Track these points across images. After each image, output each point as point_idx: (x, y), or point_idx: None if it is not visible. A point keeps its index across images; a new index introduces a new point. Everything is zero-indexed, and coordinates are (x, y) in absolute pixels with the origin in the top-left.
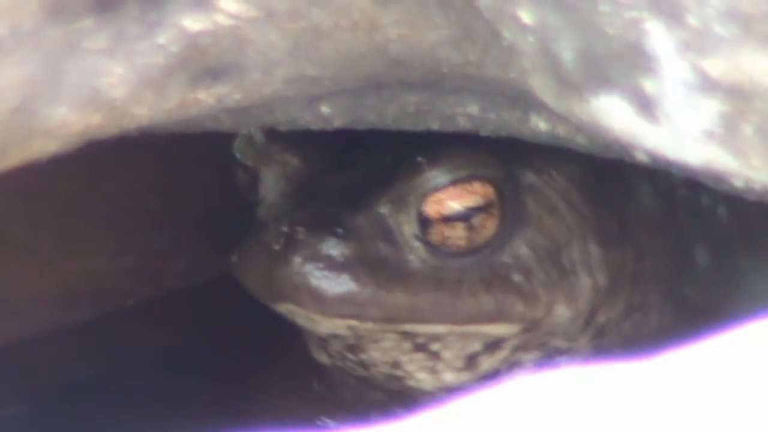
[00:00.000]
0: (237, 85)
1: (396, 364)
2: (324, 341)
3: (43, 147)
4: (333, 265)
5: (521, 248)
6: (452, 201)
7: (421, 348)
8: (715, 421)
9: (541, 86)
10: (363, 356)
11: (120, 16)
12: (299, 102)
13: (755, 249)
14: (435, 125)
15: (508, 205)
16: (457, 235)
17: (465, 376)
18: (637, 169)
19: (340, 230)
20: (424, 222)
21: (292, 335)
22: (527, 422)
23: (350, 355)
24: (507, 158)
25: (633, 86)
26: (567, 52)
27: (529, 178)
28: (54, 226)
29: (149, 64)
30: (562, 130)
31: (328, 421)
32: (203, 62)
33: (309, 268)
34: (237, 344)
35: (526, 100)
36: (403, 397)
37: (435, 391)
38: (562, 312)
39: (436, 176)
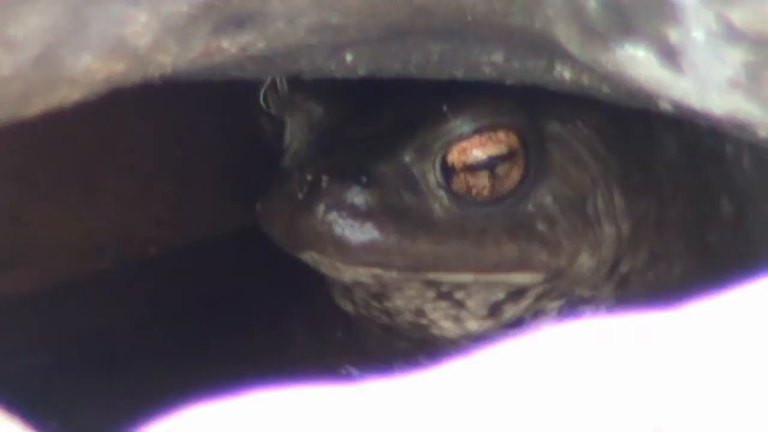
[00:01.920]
0: (261, 33)
1: (420, 312)
2: (348, 289)
3: (66, 95)
4: (357, 214)
5: (545, 197)
6: (476, 150)
7: (445, 296)
8: (740, 371)
9: (565, 35)
10: (387, 304)
11: None
12: (323, 51)
13: None
14: (459, 74)
15: (532, 154)
16: (481, 183)
17: (488, 324)
18: (661, 119)
19: (364, 179)
20: (448, 171)
21: (316, 284)
22: (550, 373)
23: (375, 303)
24: (531, 107)
25: (658, 35)
26: (591, 2)
27: (554, 127)
28: (78, 175)
29: (173, 12)
30: (586, 80)
31: (352, 369)
32: (227, 10)
33: (333, 216)
34: (261, 294)
35: (550, 49)
36: (426, 346)
37: (458, 340)
38: (585, 261)
39: (460, 125)
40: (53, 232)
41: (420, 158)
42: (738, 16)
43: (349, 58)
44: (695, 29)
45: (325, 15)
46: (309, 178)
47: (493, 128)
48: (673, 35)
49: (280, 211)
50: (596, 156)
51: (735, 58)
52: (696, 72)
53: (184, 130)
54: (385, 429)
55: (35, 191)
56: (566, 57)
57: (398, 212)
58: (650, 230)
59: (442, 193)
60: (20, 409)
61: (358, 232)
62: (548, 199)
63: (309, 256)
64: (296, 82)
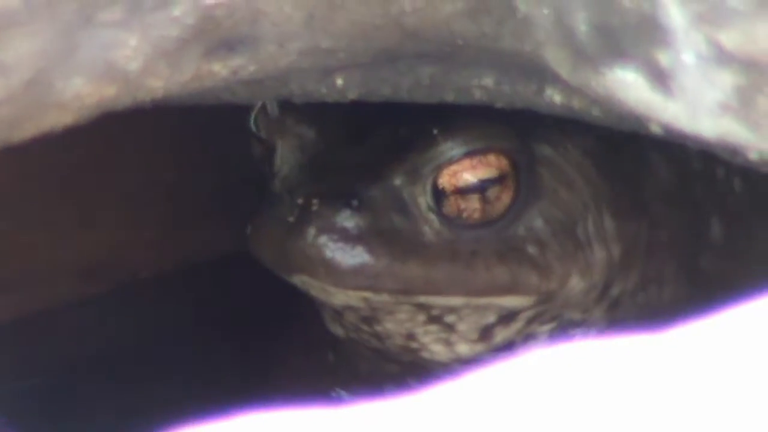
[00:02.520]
0: (252, 57)
1: (410, 336)
2: (338, 313)
3: (57, 119)
4: (347, 237)
5: (536, 220)
6: (467, 173)
7: (435, 320)
8: (729, 395)
9: (555, 59)
10: (378, 328)
11: None
12: (314, 74)
13: None
14: (450, 97)
15: (523, 177)
16: (472, 207)
17: (479, 348)
18: (651, 142)
19: (354, 202)
20: (439, 194)
21: (306, 308)
22: (541, 396)
23: (365, 327)
24: (522, 130)
25: (648, 58)
26: (582, 25)
27: (544, 150)
28: (70, 199)
29: (164, 36)
30: (576, 103)
31: (342, 393)
32: (218, 34)
33: (323, 239)
34: (252, 317)
35: (541, 73)
36: (417, 369)
37: (449, 363)
38: (576, 284)
39: (451, 148)
40: (45, 255)
41: (410, 181)
42: (728, 39)
43: (339, 81)
44: (685, 52)
45: (315, 39)
46: (300, 201)
47: (483, 151)
48: (663, 58)
49: (271, 235)
50: (587, 179)
51: (725, 81)
52: (686, 95)
53: (175, 154)
54: None
55: (26, 215)
56: (556, 80)
57: (389, 236)
58: (641, 253)
59: (432, 216)
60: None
61: (348, 256)
62: (539, 223)
63: (299, 280)
64: (287, 106)
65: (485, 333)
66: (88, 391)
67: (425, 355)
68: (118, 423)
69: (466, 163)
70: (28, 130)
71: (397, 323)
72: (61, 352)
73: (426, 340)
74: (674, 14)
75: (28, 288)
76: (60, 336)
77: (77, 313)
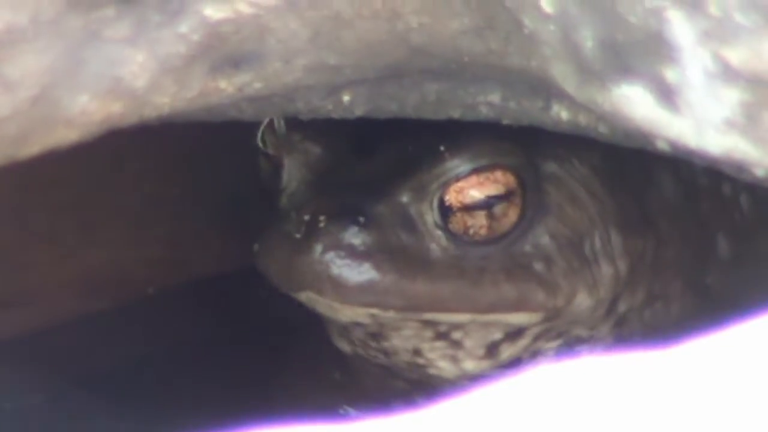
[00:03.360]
0: (258, 73)
1: (417, 352)
2: (345, 329)
3: (63, 135)
4: (354, 254)
5: (542, 237)
6: (473, 190)
7: (442, 336)
8: (736, 411)
9: (562, 75)
10: (384, 344)
11: (141, 5)
12: (320, 91)
13: None
14: (456, 114)
15: (530, 194)
16: (479, 223)
17: (486, 364)
18: (658, 158)
19: (361, 219)
20: (446, 211)
21: (313, 324)
22: (548, 413)
23: (372, 343)
24: (528, 147)
25: (654, 75)
26: (588, 41)
27: (551, 166)
28: (74, 215)
29: (170, 52)
30: (583, 119)
31: (349, 409)
32: (224, 51)
33: (330, 256)
34: (258, 334)
35: (547, 89)
36: (424, 386)
37: (456, 380)
38: (583, 301)
39: (458, 165)
40: (49, 272)
41: (417, 198)
42: (735, 56)
43: (346, 98)
44: (692, 69)
45: (322, 55)
46: (306, 218)
47: (490, 168)
48: (670, 75)
49: (278, 251)
50: (593, 195)
51: (731, 98)
52: (692, 111)
53: (181, 170)
54: None
55: (31, 232)
56: (563, 97)
57: (396, 252)
58: (647, 270)
59: (439, 233)
60: None
61: (355, 273)
62: (545, 239)
63: (306, 296)
64: (294, 122)
65: (492, 349)
66: (91, 408)
67: (432, 371)
68: None
69: (473, 179)
70: (34, 146)
71: (404, 339)
72: (65, 369)
73: (432, 356)
74: (681, 31)
75: (32, 304)
76: (64, 353)
77: (81, 330)
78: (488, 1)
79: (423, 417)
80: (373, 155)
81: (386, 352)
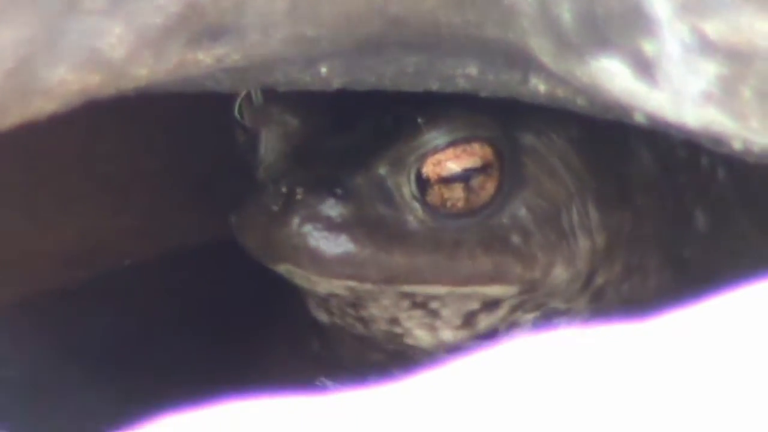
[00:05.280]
0: (236, 46)
1: (395, 321)
2: (323, 299)
3: (41, 107)
4: (331, 226)
5: (520, 210)
6: (451, 162)
7: (419, 306)
8: (711, 383)
9: (540, 48)
10: (362, 312)
11: None
12: (298, 63)
13: (755, 211)
14: (434, 86)
15: (507, 167)
16: (456, 196)
17: (463, 334)
18: (636, 131)
19: (338, 191)
20: (423, 183)
21: (291, 296)
22: (525, 385)
23: (350, 311)
24: (506, 120)
25: (632, 48)
26: (566, 14)
27: (528, 139)
28: (52, 186)
29: (148, 24)
30: (561, 92)
31: (327, 381)
32: (202, 23)
33: (308, 228)
34: (235, 306)
35: (525, 62)
36: (401, 358)
37: (433, 350)
38: (560, 274)
39: (435, 137)
40: (25, 244)
41: (395, 170)
42: (712, 29)
43: (323, 70)
44: (670, 42)
45: (299, 28)
46: (284, 190)
47: (467, 141)
48: (648, 48)
49: (255, 224)
50: (571, 169)
51: (709, 71)
52: (670, 84)
53: (159, 142)
54: None
55: (7, 202)
56: (541, 69)
57: (373, 224)
58: (625, 243)
59: (416, 205)
60: None
61: (332, 245)
62: (523, 212)
63: (284, 268)
64: (271, 94)
65: (469, 319)
66: (71, 380)
67: (409, 340)
68: (101, 412)
69: (450, 152)
70: (12, 117)
71: (382, 309)
72: (42, 340)
73: (410, 325)
74: (659, 4)
75: (10, 277)
76: (41, 324)
77: (59, 301)
78: None
79: (400, 389)
80: (351, 127)
81: (364, 321)
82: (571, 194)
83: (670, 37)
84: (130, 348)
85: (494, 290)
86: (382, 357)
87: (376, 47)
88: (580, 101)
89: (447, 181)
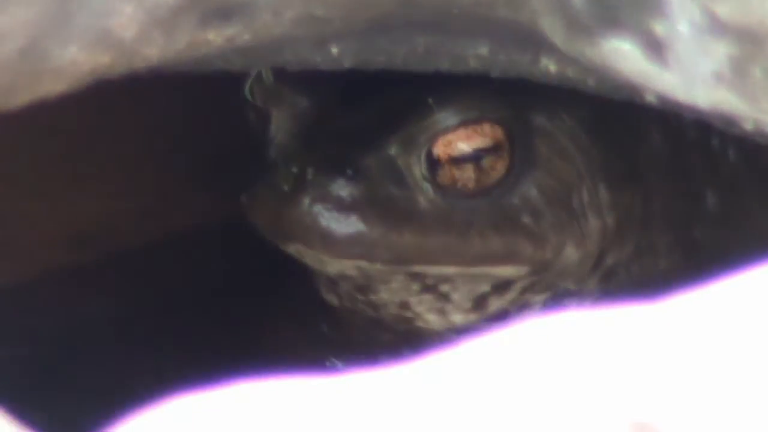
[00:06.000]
0: (247, 25)
1: (405, 305)
2: (333, 282)
3: (51, 86)
4: (342, 206)
5: (530, 190)
6: (462, 142)
7: (429, 289)
8: (722, 364)
9: (551, 28)
10: (372, 297)
11: None
12: (309, 43)
13: (766, 191)
14: (445, 66)
15: (518, 147)
16: (466, 176)
17: (473, 317)
18: (647, 112)
19: (349, 171)
20: (434, 163)
21: (301, 277)
22: (534, 365)
23: (359, 296)
24: (517, 100)
25: (643, 29)
26: None
27: (539, 120)
28: (62, 167)
29: (159, 3)
30: (571, 72)
31: (336, 362)
32: (213, 2)
33: (318, 208)
34: (246, 286)
35: (536, 42)
36: (411, 339)
37: (443, 332)
38: (570, 254)
39: (446, 118)
40: (35, 223)
41: (405, 151)
42: (723, 10)
43: (334, 50)
44: (681, 22)
45: (310, 7)
46: (294, 170)
47: (478, 121)
48: (659, 28)
49: (266, 204)
50: (581, 149)
51: (720, 52)
52: (681, 65)
53: (169, 122)
54: (369, 420)
55: (16, 182)
56: (552, 50)
57: (383, 205)
58: (635, 223)
59: (427, 185)
60: (1, 400)
61: (343, 225)
62: (533, 192)
63: (294, 249)
64: (282, 74)
65: (479, 302)
66: (77, 359)
67: (419, 324)
68: (106, 391)
69: (461, 132)
70: (23, 97)
71: (392, 292)
72: (52, 320)
73: (420, 309)
74: None
75: (17, 256)
76: (51, 304)
77: (69, 281)
78: None
79: (410, 370)
80: (362, 107)
81: (374, 305)
82: (581, 174)
83: (681, 17)
84: (140, 328)
85: (505, 271)
86: (392, 338)
87: (386, 27)
88: (591, 82)
89: (457, 161)
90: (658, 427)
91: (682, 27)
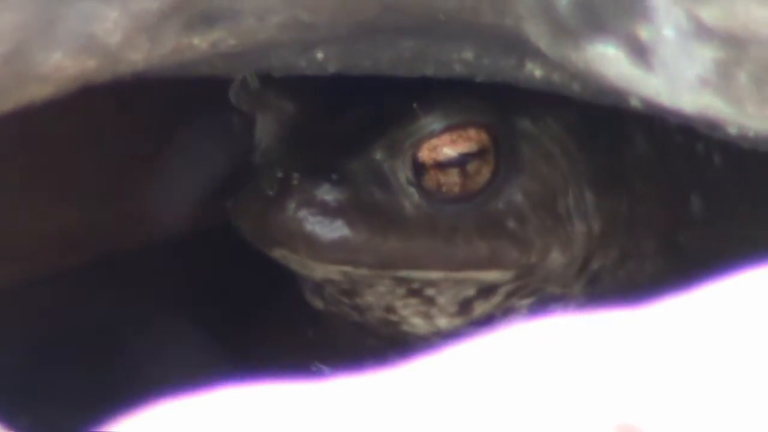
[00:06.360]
0: (231, 30)
1: (390, 309)
2: (319, 286)
3: (37, 92)
4: (327, 211)
5: (516, 195)
6: (447, 147)
7: (415, 293)
8: (707, 370)
9: (536, 33)
10: (358, 300)
11: None
12: (294, 48)
13: (751, 197)
14: (430, 71)
15: (503, 152)
16: (452, 181)
17: (458, 321)
18: (632, 116)
19: (334, 176)
20: (419, 168)
21: (286, 282)
22: (519, 370)
23: (345, 299)
24: (502, 105)
25: (628, 33)
26: None
27: (524, 124)
28: (49, 171)
29: (144, 9)
30: (557, 77)
31: (322, 367)
32: (198, 7)
33: (303, 213)
34: (232, 292)
35: (521, 47)
36: (397, 343)
37: (429, 336)
38: (556, 258)
39: (431, 122)
40: (23, 227)
41: (391, 155)
42: (708, 14)
43: (319, 55)
44: (666, 27)
45: (295, 12)
46: (280, 175)
47: (463, 126)
48: (644, 33)
49: (251, 208)
50: (567, 153)
51: (705, 56)
52: (666, 69)
53: (156, 126)
54: (355, 426)
55: (4, 186)
56: (537, 54)
57: (369, 209)
58: (621, 228)
59: (412, 190)
60: None
61: (328, 230)
62: (519, 197)
63: (279, 253)
64: (267, 79)
65: (465, 306)
66: (65, 364)
67: (405, 328)
68: (93, 396)
69: (446, 137)
70: (8, 102)
71: (377, 296)
72: (40, 326)
73: (405, 312)
74: None
75: (6, 260)
76: (39, 310)
77: (56, 287)
78: None
79: (395, 375)
80: (347, 112)
81: (359, 309)
82: (567, 179)
83: (666, 22)
84: (127, 333)
85: (490, 275)
86: (378, 343)
87: (372, 32)
88: (576, 86)
89: (443, 166)
90: (644, 429)
91: (667, 31)
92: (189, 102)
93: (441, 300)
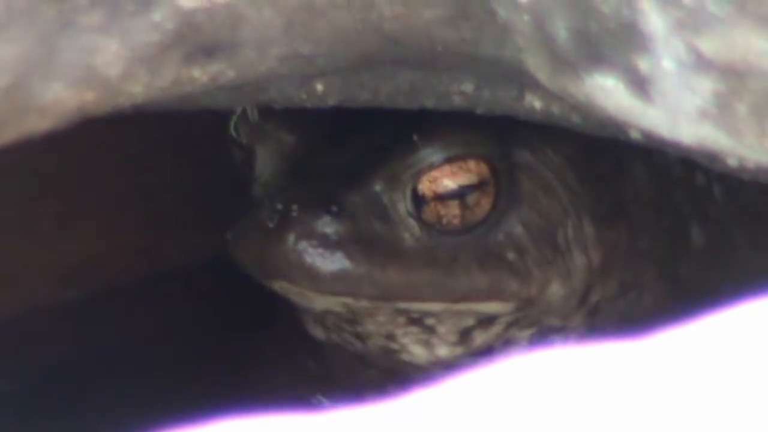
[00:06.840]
0: (231, 62)
1: (391, 337)
2: (319, 316)
3: (37, 124)
4: (327, 243)
5: (515, 226)
6: (446, 179)
7: (415, 322)
8: (708, 402)
9: (535, 65)
10: (359, 328)
11: None
12: (294, 80)
13: (751, 228)
14: (430, 103)
15: (503, 184)
16: (452, 213)
17: (458, 351)
18: (631, 148)
19: (334, 208)
20: (419, 200)
21: (286, 314)
22: (518, 403)
23: (346, 327)
24: (502, 136)
25: (627, 65)
26: (561, 31)
27: (524, 156)
28: (48, 203)
29: (144, 41)
30: (556, 109)
31: (323, 399)
32: (198, 39)
33: (303, 245)
34: (232, 323)
35: (520, 79)
36: (397, 375)
37: (429, 366)
38: (556, 290)
39: (431, 154)
40: (24, 259)
41: (390, 187)
42: (707, 46)
43: (319, 87)
44: (665, 59)
45: (295, 45)
46: (279, 207)
47: (463, 158)
48: (643, 65)
49: (251, 240)
50: (566, 185)
51: (704, 88)
52: (666, 101)
53: (156, 159)
54: None
55: (5, 219)
56: (536, 86)
57: (369, 241)
58: (621, 260)
59: (412, 222)
60: None
61: (328, 262)
62: (518, 229)
63: (279, 285)
64: (267, 112)
65: (465, 336)
66: (64, 396)
67: (405, 357)
68: (94, 428)
69: (446, 169)
70: (8, 134)
71: (378, 325)
72: (39, 357)
73: (406, 341)
74: (654, 20)
75: (6, 292)
76: (37, 341)
77: (56, 318)
78: None
79: (396, 406)
80: (346, 144)
81: (360, 337)
82: (566, 211)
83: (665, 53)
84: (126, 365)
85: (490, 307)
86: (378, 374)
87: (371, 64)
88: (576, 118)
89: (443, 198)
90: None
91: (667, 63)
92: (190, 135)
93: (441, 329)
